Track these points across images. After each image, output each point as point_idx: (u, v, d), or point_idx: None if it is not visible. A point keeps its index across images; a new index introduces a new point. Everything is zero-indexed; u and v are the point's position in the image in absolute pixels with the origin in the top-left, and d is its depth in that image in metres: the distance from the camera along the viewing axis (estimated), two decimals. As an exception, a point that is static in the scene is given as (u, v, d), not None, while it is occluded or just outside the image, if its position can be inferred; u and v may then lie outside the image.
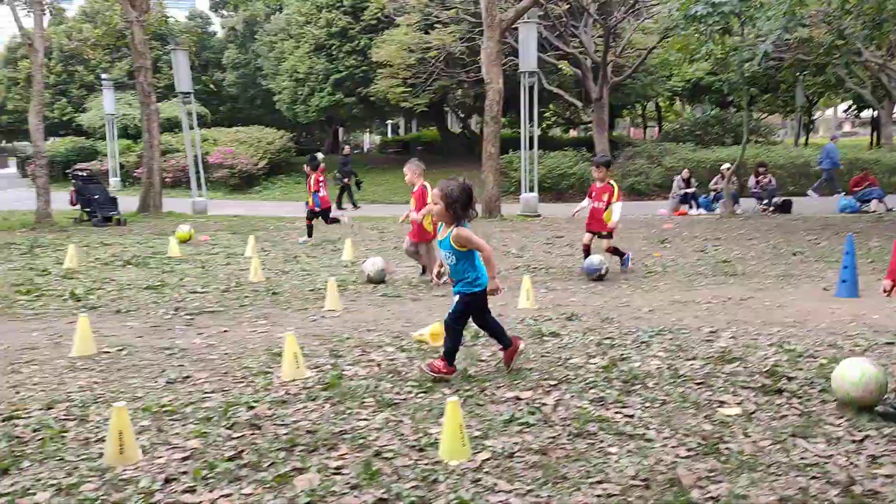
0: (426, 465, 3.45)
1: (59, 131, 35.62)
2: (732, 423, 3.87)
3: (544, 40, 23.00)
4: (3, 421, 4.06)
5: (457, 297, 4.68)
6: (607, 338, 5.67)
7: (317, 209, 12.33)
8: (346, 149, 23.94)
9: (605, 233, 8.66)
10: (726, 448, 3.56)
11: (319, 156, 19.52)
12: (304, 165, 13.60)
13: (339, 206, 20.55)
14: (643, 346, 5.42)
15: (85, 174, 17.77)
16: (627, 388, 4.46)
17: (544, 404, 4.20)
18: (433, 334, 5.58)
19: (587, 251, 8.81)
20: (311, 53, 28.85)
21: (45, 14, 17.00)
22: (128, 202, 18.55)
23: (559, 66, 24.47)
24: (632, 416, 4.00)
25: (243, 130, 30.59)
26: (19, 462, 3.51)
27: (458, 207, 4.48)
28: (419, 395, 4.41)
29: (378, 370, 4.95)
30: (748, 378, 4.58)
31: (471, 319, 4.82)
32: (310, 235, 12.53)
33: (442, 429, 3.60)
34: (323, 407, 4.24)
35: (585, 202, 8.92)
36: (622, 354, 5.18)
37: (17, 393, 4.54)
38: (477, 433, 3.80)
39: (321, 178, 12.38)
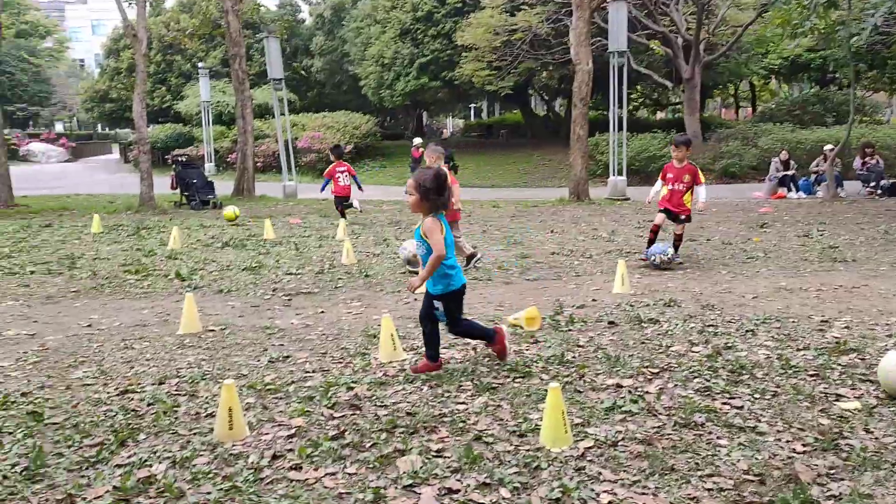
0: (527, 451, 3.41)
1: (159, 118, 37.16)
2: (852, 418, 3.66)
3: (634, 19, 22.38)
4: (120, 395, 4.25)
5: (438, 304, 4.40)
6: (710, 325, 5.47)
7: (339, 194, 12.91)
8: (445, 133, 23.76)
9: (682, 216, 8.30)
10: (847, 444, 3.37)
11: (417, 140, 19.68)
12: (329, 152, 14.08)
13: None
14: (749, 334, 5.20)
15: (184, 159, 18.49)
16: (734, 378, 4.28)
17: (647, 392, 4.08)
18: (528, 318, 5.51)
19: (655, 234, 8.39)
20: (397, 38, 29.04)
21: (146, 5, 17.69)
22: (222, 186, 19.20)
23: (649, 46, 23.78)
24: (741, 408, 3.84)
25: (330, 115, 31.15)
26: (136, 435, 3.66)
27: (432, 196, 4.25)
28: (517, 380, 4.37)
29: (474, 354, 4.93)
30: (867, 371, 4.32)
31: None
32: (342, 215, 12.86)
33: (542, 415, 3.55)
34: (421, 389, 4.26)
35: (658, 186, 8.50)
36: (727, 343, 4.98)
37: (131, 368, 4.75)
38: (578, 420, 3.73)
39: (341, 167, 12.89)
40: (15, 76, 47.33)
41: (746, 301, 6.35)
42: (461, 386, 4.28)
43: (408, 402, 4.04)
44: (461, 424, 3.72)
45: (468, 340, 5.09)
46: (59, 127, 63.40)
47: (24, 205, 17.02)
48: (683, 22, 24.36)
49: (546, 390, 3.55)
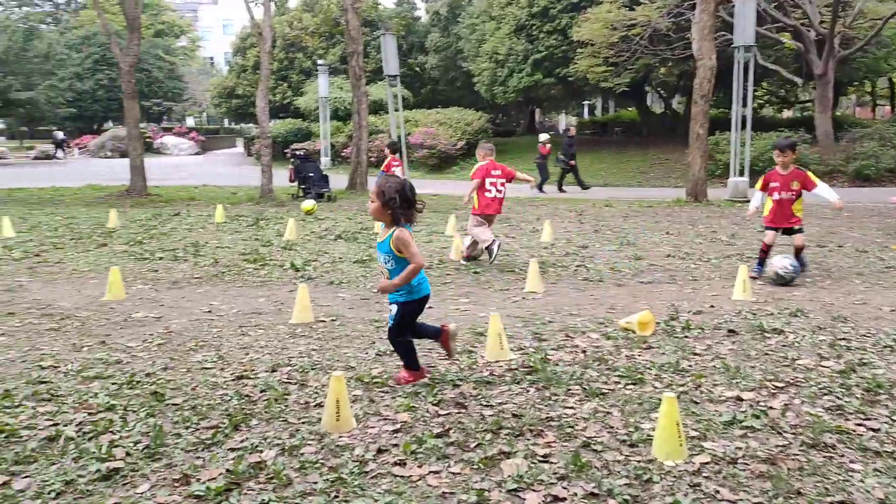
0: (639, 462, 3.26)
1: (280, 114, 38.62)
2: None
3: (762, 12, 21.26)
4: (235, 380, 4.40)
5: (393, 307, 4.19)
6: (842, 339, 5.08)
7: None
8: (571, 130, 23.24)
9: (796, 227, 7.48)
10: None
11: (545, 137, 19.52)
12: (384, 147, 14.83)
13: (560, 189, 20.22)
14: (887, 350, 4.79)
15: (302, 153, 19.10)
16: (870, 397, 3.95)
17: (770, 408, 3.82)
18: (641, 323, 5.31)
19: (766, 253, 7.56)
20: (512, 34, 28.90)
21: (272, 5, 18.39)
22: (337, 180, 19.70)
23: (779, 40, 22.54)
24: (878, 431, 3.52)
25: (443, 112, 31.39)
26: (248, 420, 3.76)
27: (396, 206, 4.01)
28: (628, 387, 4.20)
29: (583, 357, 4.79)
30: None
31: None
32: None
33: (656, 425, 3.38)
34: (528, 391, 4.17)
35: (758, 199, 7.79)
36: (861, 359, 4.61)
37: (247, 354, 4.91)
38: (694, 433, 3.53)
39: (396, 161, 13.67)
40: (152, 73, 50.46)
41: (884, 314, 5.86)
42: (570, 390, 4.16)
43: (514, 404, 3.96)
44: (569, 430, 3.60)
45: (580, 344, 4.95)
46: (189, 121, 67.20)
47: (157, 194, 18.09)
48: (817, 14, 22.92)
49: (660, 399, 3.39)
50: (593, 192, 19.50)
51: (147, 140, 39.87)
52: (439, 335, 4.38)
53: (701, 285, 7.29)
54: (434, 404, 3.96)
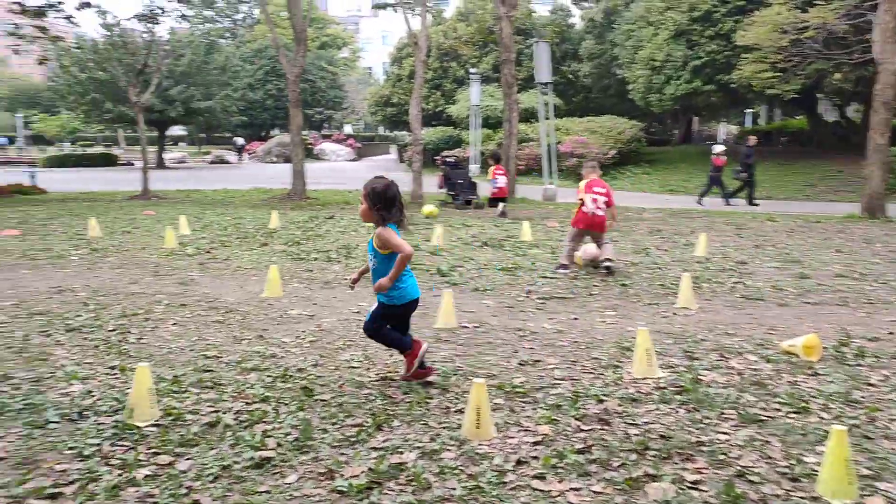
0: (801, 498, 3.00)
1: (432, 121, 39.54)
2: None
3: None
4: (380, 380, 4.49)
5: (375, 306, 4.40)
6: None
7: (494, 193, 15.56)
8: (751, 139, 21.71)
9: None
10: None
11: (720, 148, 18.91)
12: (489, 158, 17.43)
13: (751, 203, 19.06)
14: None
15: (452, 160, 19.43)
16: None
17: (960, 451, 3.40)
18: (806, 347, 4.90)
19: None
20: (671, 40, 27.92)
21: (428, 16, 18.87)
22: (484, 187, 19.84)
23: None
24: None
25: (595, 120, 30.84)
26: (391, 421, 3.82)
27: (382, 207, 4.11)
28: (790, 415, 3.88)
29: (739, 380, 4.49)
30: None
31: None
32: (502, 214, 14.76)
33: (821, 459, 3.10)
34: (677, 412, 3.95)
35: None
36: None
37: (391, 356, 5.00)
38: (866, 472, 3.20)
39: (500, 171, 15.66)
40: (315, 83, 53.39)
41: None
42: (723, 413, 3.91)
43: (661, 424, 3.77)
44: (721, 456, 3.38)
45: (736, 365, 4.65)
46: (347, 129, 70.32)
47: (315, 198, 19.03)
48: None
49: (827, 431, 3.10)
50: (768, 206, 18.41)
51: (308, 146, 42.15)
52: (409, 348, 4.38)
53: (877, 309, 6.65)
54: (576, 419, 3.85)
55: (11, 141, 57.70)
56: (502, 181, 16.07)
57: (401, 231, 4.23)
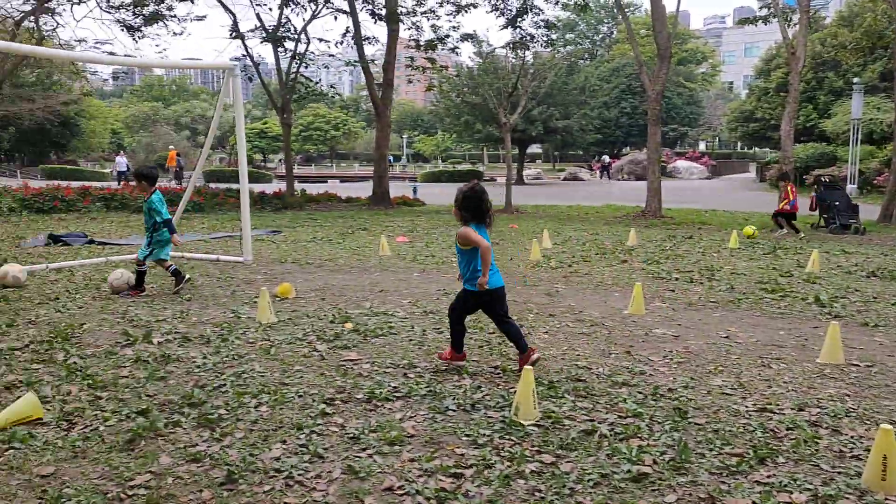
0: None
1: (802, 137, 36.26)
2: None
3: None
4: (758, 411, 4.26)
5: (464, 292, 4.91)
6: None
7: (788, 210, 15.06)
8: None
9: None
10: None
11: None
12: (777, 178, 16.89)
13: None
14: None
15: (827, 180, 17.59)
16: None
17: None
18: None
19: None
20: None
21: (808, 22, 17.36)
22: (865, 211, 17.57)
23: None
24: None
25: None
26: (774, 456, 3.61)
27: (464, 210, 4.70)
28: None
29: None
30: None
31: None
32: (796, 232, 14.70)
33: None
34: None
35: None
36: None
37: (769, 387, 4.71)
38: None
39: (792, 189, 15.18)
40: (672, 100, 52.40)
41: None
42: None
43: None
44: None
45: None
46: (701, 146, 67.69)
47: (669, 216, 18.68)
48: None
49: None
50: None
51: (662, 164, 41.48)
52: (525, 350, 4.91)
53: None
54: None
55: (397, 159, 66.56)
56: (795, 200, 15.39)
57: (487, 230, 4.78)
